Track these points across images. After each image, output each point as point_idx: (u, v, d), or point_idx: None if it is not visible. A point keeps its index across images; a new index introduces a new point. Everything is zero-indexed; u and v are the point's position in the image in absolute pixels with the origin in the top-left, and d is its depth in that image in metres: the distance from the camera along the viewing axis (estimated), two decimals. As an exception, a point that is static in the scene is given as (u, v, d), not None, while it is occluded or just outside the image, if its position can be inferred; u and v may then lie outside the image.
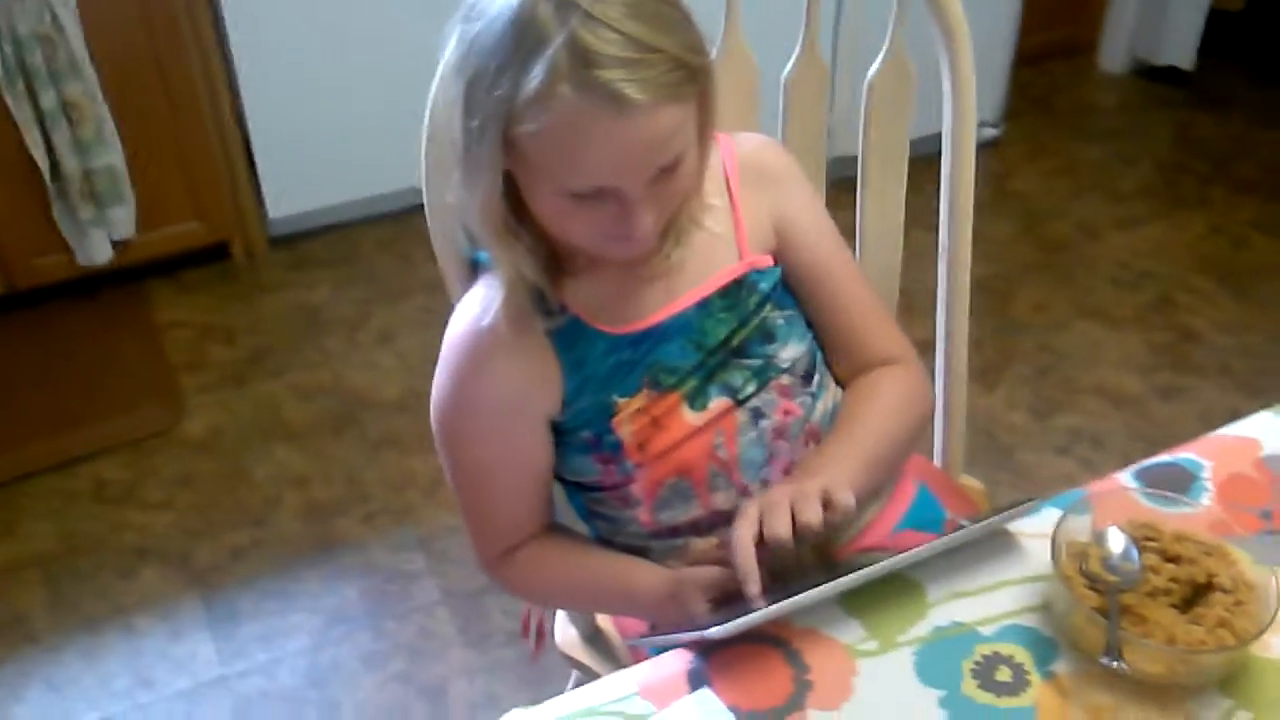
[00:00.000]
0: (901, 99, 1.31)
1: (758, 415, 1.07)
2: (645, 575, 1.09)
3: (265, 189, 2.59)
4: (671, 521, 1.09)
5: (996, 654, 0.86)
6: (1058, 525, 0.89)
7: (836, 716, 0.82)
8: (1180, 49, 3.25)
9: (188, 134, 2.42)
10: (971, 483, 1.48)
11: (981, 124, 3.01)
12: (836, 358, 1.15)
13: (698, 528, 1.09)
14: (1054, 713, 0.82)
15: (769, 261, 1.10)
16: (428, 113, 1.09)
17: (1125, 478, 1.01)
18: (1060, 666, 0.85)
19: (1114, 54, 3.37)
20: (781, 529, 0.93)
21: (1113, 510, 0.93)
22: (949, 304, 1.34)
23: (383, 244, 2.73)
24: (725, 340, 1.07)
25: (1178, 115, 3.28)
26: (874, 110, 1.31)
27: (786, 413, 1.08)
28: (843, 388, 1.15)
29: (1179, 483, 1.00)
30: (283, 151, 2.56)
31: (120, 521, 2.10)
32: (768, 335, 1.08)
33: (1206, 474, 1.01)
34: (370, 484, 2.17)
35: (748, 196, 1.10)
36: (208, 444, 2.25)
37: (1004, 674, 0.85)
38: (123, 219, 2.38)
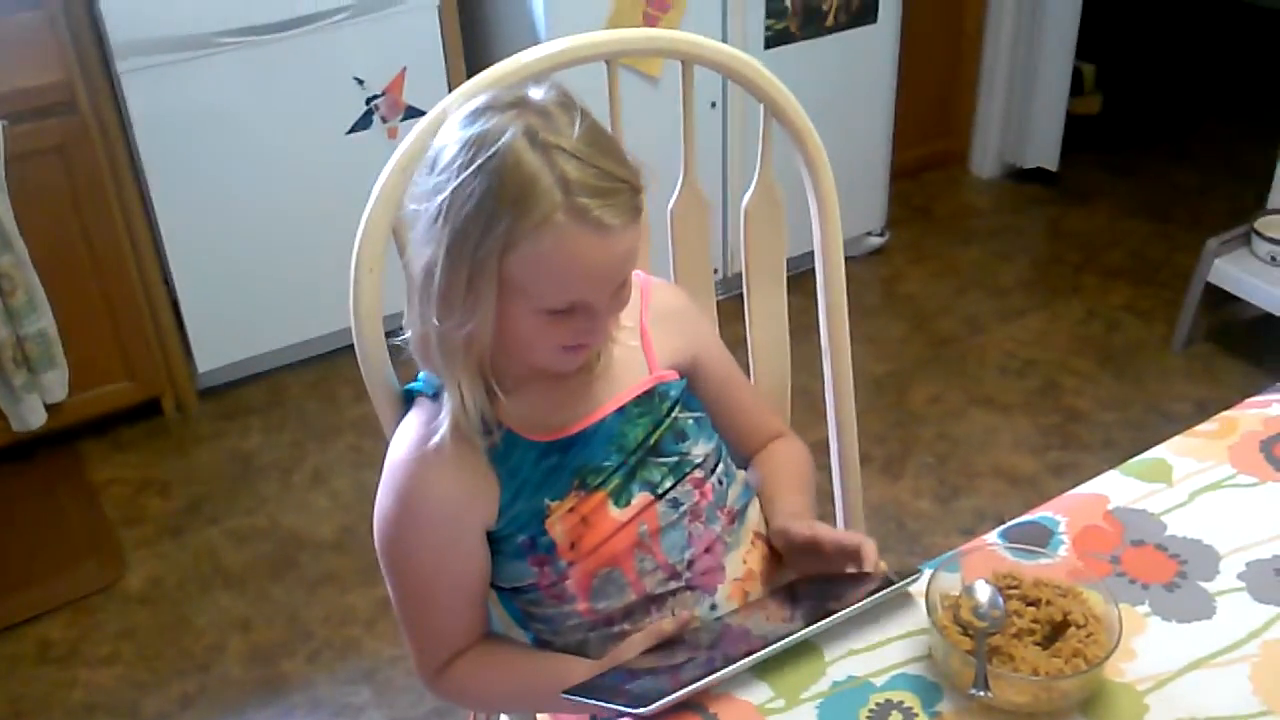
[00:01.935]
0: (774, 222, 1.47)
1: (676, 504, 1.20)
2: (581, 666, 1.20)
3: (194, 344, 2.69)
4: (608, 610, 1.19)
5: (889, 701, 0.98)
6: (930, 582, 1.02)
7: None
8: (1044, 151, 3.52)
9: (117, 297, 2.52)
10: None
11: (868, 234, 3.23)
12: (739, 443, 1.32)
13: (632, 613, 1.20)
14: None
15: (674, 375, 1.25)
16: (354, 262, 1.22)
17: (991, 537, 1.14)
18: (944, 706, 0.97)
19: (984, 161, 3.63)
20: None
21: (980, 566, 1.06)
22: (836, 401, 1.49)
23: (310, 387, 2.84)
24: (643, 441, 1.20)
25: (1047, 212, 3.53)
26: (751, 233, 1.47)
27: (701, 497, 1.21)
28: (743, 465, 1.32)
29: (1039, 538, 1.13)
30: (209, 308, 2.68)
31: (67, 680, 2.14)
32: (680, 435, 1.22)
33: (1062, 528, 1.15)
34: (312, 622, 2.24)
35: (658, 331, 1.25)
36: (149, 596, 2.31)
37: (895, 717, 0.96)
38: (56, 383, 2.46)
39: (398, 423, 1.21)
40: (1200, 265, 2.82)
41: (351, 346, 1.24)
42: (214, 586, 2.32)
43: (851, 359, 1.46)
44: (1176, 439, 1.26)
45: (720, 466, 1.25)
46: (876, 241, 3.24)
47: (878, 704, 0.98)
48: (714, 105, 2.74)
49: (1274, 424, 1.26)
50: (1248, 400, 1.31)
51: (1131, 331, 3.01)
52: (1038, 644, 0.99)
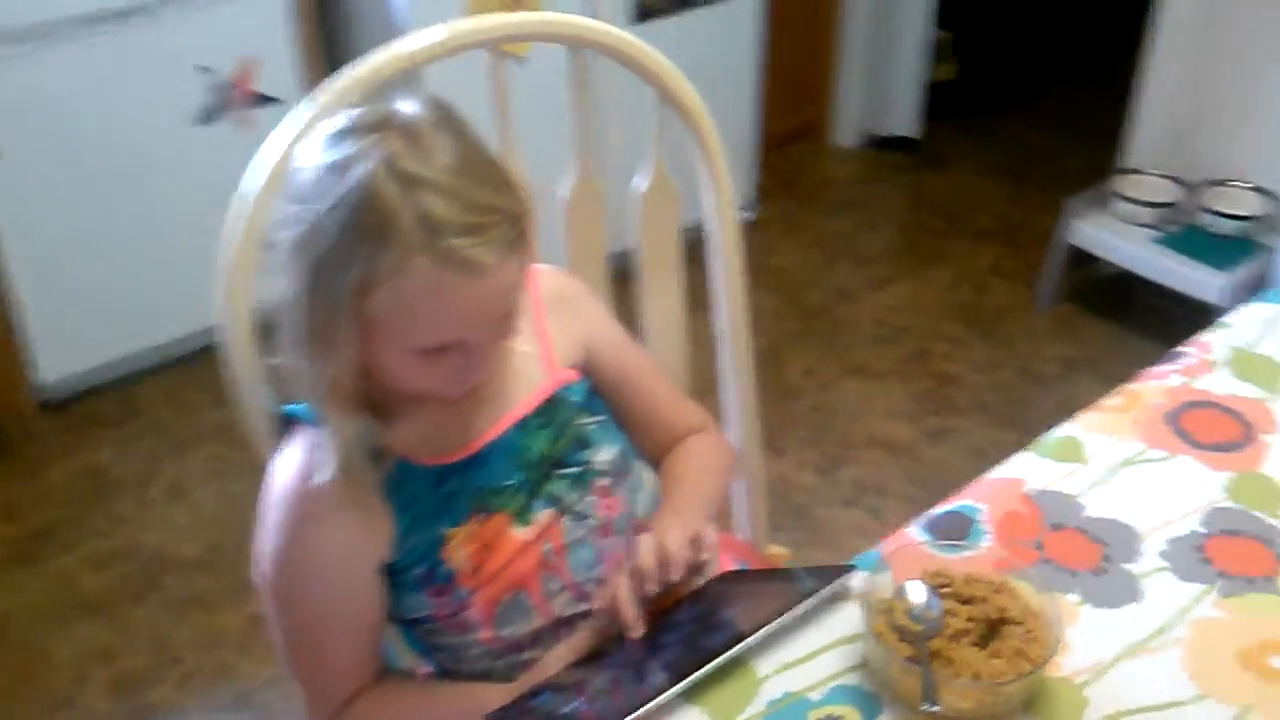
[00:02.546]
0: (667, 204, 1.41)
1: (581, 518, 1.13)
2: (492, 692, 1.12)
3: (36, 353, 2.50)
4: (514, 636, 1.12)
5: (829, 717, 0.93)
6: (865, 588, 0.98)
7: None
8: (905, 118, 3.54)
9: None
10: (779, 551, 1.57)
11: (739, 208, 3.19)
12: (648, 444, 1.24)
13: (540, 638, 1.13)
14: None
15: (575, 376, 1.17)
16: (222, 264, 1.11)
17: (915, 531, 1.11)
18: (885, 718, 0.93)
19: (847, 130, 3.64)
20: (626, 611, 1.03)
21: (908, 563, 1.02)
22: (734, 380, 1.45)
23: (164, 395, 2.67)
24: (544, 454, 1.13)
25: (911, 179, 3.56)
26: (644, 216, 1.41)
27: (609, 508, 1.14)
28: (657, 467, 1.25)
29: (960, 528, 1.10)
30: (51, 313, 2.49)
31: (-88, 731, 1.97)
32: (583, 443, 1.15)
33: (982, 516, 1.12)
34: (180, 647, 2.10)
35: (553, 322, 1.18)
36: (1, 632, 2.14)
37: (834, 733, 0.92)
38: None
39: (278, 449, 1.11)
40: (1059, 226, 2.86)
41: (209, 349, 1.13)
42: (72, 616, 2.16)
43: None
44: (1084, 415, 1.24)
45: (630, 474, 1.19)
46: (746, 215, 3.21)
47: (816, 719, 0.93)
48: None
49: (1175, 395, 1.26)
50: (1146, 371, 1.31)
51: (998, 294, 3.05)
52: (975, 644, 0.96)
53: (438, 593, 1.10)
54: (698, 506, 1.21)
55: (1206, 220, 2.75)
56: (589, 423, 1.17)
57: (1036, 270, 3.02)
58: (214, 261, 1.12)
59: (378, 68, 1.12)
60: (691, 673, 0.94)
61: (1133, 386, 1.28)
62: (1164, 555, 1.07)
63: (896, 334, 2.89)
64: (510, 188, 0.97)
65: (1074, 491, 1.14)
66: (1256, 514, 1.11)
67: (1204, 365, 1.30)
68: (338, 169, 0.92)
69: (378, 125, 0.93)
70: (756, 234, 3.27)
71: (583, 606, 1.14)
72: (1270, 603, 1.03)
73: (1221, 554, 1.07)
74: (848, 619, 1.02)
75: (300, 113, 1.11)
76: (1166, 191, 2.79)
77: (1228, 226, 2.72)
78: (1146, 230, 2.78)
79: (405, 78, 1.15)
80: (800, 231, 3.31)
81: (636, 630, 1.03)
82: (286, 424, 1.14)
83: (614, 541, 1.15)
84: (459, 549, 1.09)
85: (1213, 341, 1.34)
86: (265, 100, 2.52)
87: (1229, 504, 1.12)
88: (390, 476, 1.06)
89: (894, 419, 2.64)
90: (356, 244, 0.91)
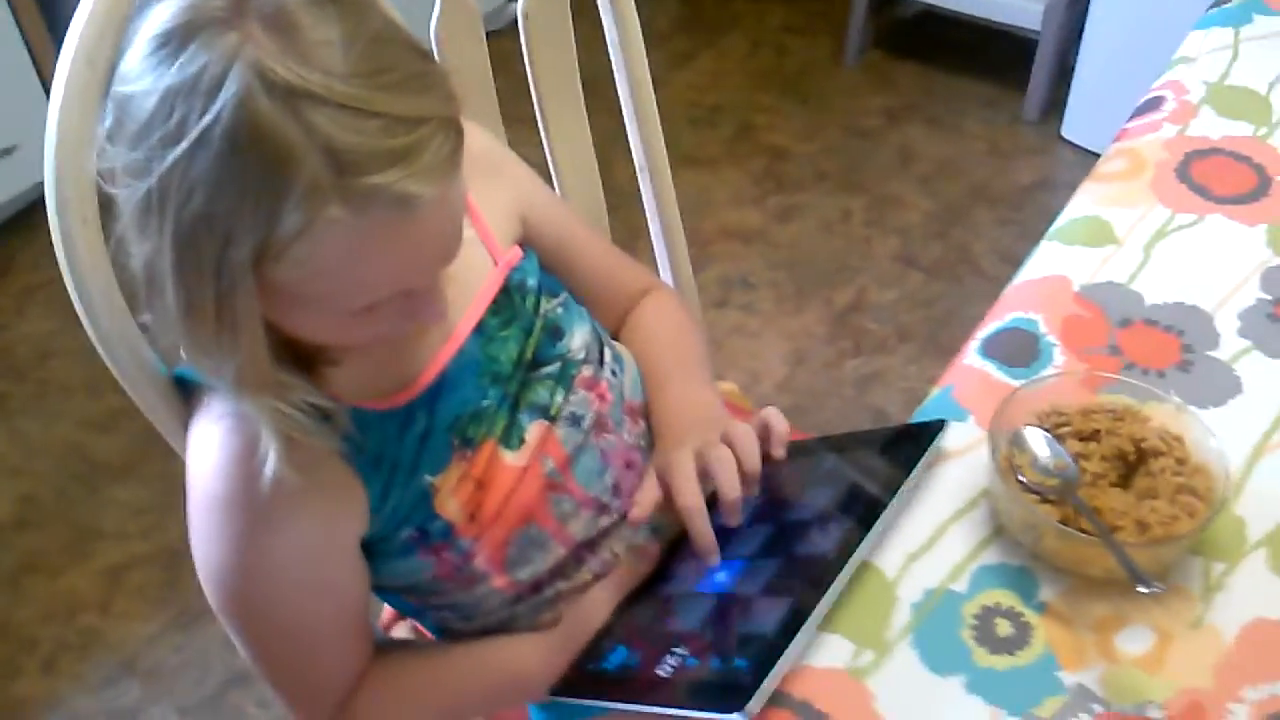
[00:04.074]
0: (559, 19, 1.17)
1: (575, 421, 0.94)
2: (527, 647, 0.94)
3: None
4: (533, 575, 0.94)
5: (984, 609, 0.79)
6: (991, 452, 0.82)
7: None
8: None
9: None
10: (727, 386, 1.42)
11: (507, 1, 2.88)
12: (601, 313, 1.04)
13: (562, 569, 0.95)
14: (1067, 645, 0.77)
15: (519, 253, 0.95)
16: (53, 209, 0.82)
17: (975, 359, 0.96)
18: (1046, 594, 0.80)
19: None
20: (735, 490, 0.85)
21: (983, 399, 0.88)
22: (659, 219, 1.26)
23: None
24: (519, 359, 0.92)
25: (678, -58, 3.30)
26: (534, 40, 1.16)
27: (600, 399, 0.95)
28: (615, 336, 1.06)
29: (1026, 347, 0.96)
30: None
31: None
32: (555, 332, 0.95)
33: (1042, 328, 0.98)
34: (31, 624, 1.79)
35: (482, 194, 0.94)
36: None
37: (1003, 627, 0.78)
38: None
39: (184, 424, 0.86)
40: (859, -30, 2.71)
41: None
42: (-127, 625, 1.81)
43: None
44: (1092, 187, 1.11)
45: (608, 352, 0.99)
46: (514, 9, 2.89)
47: (974, 616, 0.79)
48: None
49: (1175, 147, 1.14)
50: (1129, 126, 1.18)
51: (799, 53, 2.90)
52: (1115, 485, 0.83)
53: (435, 551, 0.90)
54: (706, 382, 1.03)
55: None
56: (554, 306, 0.97)
57: (830, 21, 2.87)
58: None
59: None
60: (813, 602, 0.77)
61: (1127, 144, 1.16)
62: (1242, 333, 0.96)
63: (712, 114, 2.71)
64: (433, 75, 0.71)
65: (1123, 279, 1.01)
66: (1311, 268, 1.02)
67: (1187, 108, 1.18)
68: (186, 90, 0.64)
69: (227, 10, 0.66)
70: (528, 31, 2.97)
71: (604, 521, 0.96)
72: (1368, 363, 0.94)
73: (1298, 318, 0.98)
74: (951, 481, 0.87)
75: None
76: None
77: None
78: (951, -39, 2.66)
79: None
80: (577, 20, 3.03)
81: (714, 558, 0.86)
82: (182, 388, 0.88)
83: (614, 438, 0.96)
84: (450, 497, 0.88)
85: (1182, 80, 1.22)
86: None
87: (1278, 260, 1.02)
88: (348, 435, 0.83)
89: (739, 206, 2.48)
90: (240, 199, 0.65)
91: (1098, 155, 2.64)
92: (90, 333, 0.86)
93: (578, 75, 1.21)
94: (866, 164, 2.56)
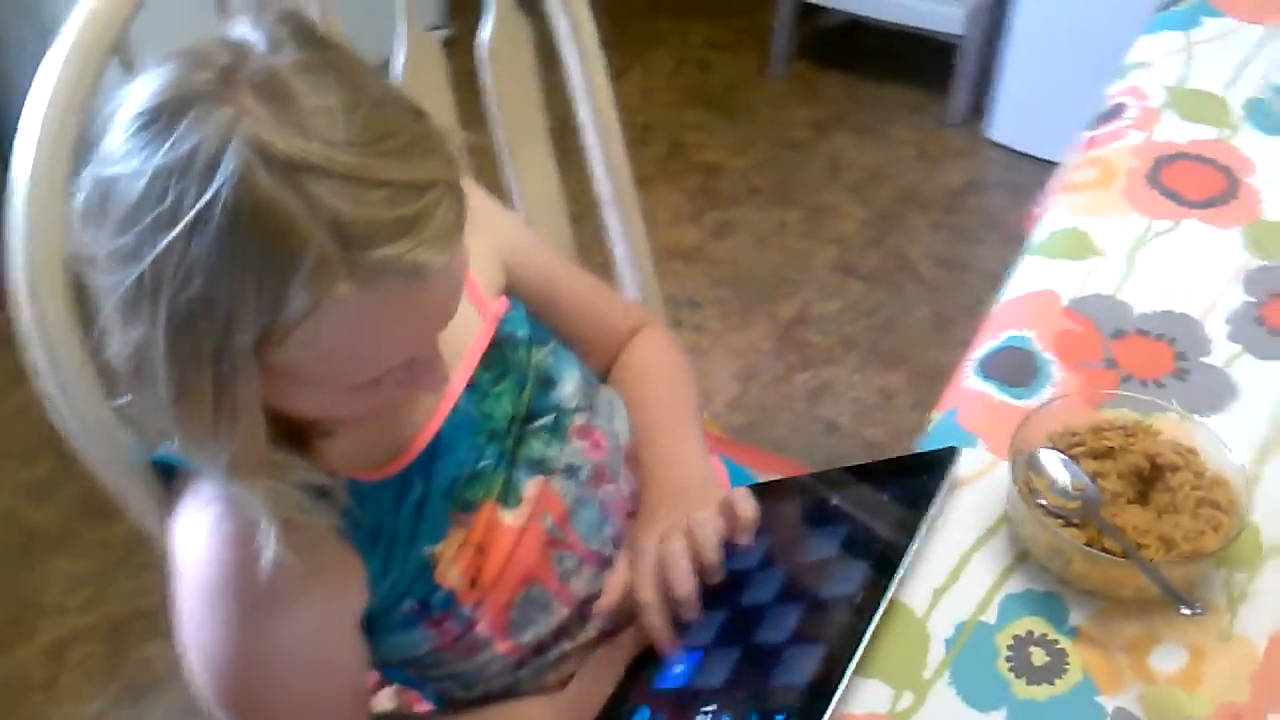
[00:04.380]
0: (518, 48, 1.15)
1: (572, 473, 0.91)
2: (530, 708, 0.91)
3: None
4: (537, 638, 0.91)
5: (1017, 638, 0.78)
6: (1013, 478, 0.81)
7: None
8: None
9: None
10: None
11: (434, 28, 2.84)
12: (590, 355, 1.02)
13: (567, 630, 0.92)
14: (1104, 668, 0.76)
15: (505, 303, 0.92)
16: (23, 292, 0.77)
17: (977, 383, 0.95)
18: (1076, 618, 0.79)
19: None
20: (686, 586, 0.82)
21: (988, 422, 0.87)
22: (628, 248, 1.24)
23: None
24: (514, 414, 0.89)
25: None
26: (498, 79, 1.13)
27: (596, 448, 0.92)
28: (604, 379, 1.03)
29: (1024, 365, 0.95)
30: None
31: None
32: (547, 382, 0.92)
33: (1036, 344, 0.97)
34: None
35: (468, 244, 0.90)
36: None
37: (1038, 656, 0.77)
38: None
39: (170, 505, 0.82)
40: (780, -17, 2.72)
41: None
42: None
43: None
44: (1068, 199, 1.11)
45: (598, 398, 0.97)
46: (444, 34, 2.85)
47: (1010, 647, 0.77)
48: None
49: (1144, 153, 1.15)
50: (1096, 134, 1.19)
51: (725, 68, 2.90)
52: (1133, 503, 0.82)
53: (437, 622, 0.86)
54: (695, 439, 0.99)
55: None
56: (544, 355, 0.94)
57: (753, 36, 2.88)
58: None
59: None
60: (848, 646, 0.75)
61: (1096, 153, 1.16)
62: (1232, 337, 0.97)
63: (644, 133, 2.70)
64: (434, 138, 0.68)
65: (1109, 290, 1.01)
66: (1287, 265, 1.03)
67: (1150, 114, 1.19)
68: (180, 170, 0.61)
69: (218, 80, 0.63)
70: (458, 53, 2.93)
71: (607, 575, 0.93)
72: (1357, 361, 0.95)
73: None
74: (967, 509, 0.85)
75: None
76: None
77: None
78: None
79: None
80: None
81: (671, 647, 0.83)
82: (164, 473, 0.84)
83: (613, 487, 0.94)
84: (451, 566, 0.85)
85: (1141, 85, 1.23)
86: None
87: (1259, 262, 1.03)
88: (345, 511, 0.79)
89: (677, 224, 2.47)
90: (242, 282, 0.62)
91: (1024, 155, 2.67)
92: (66, 419, 0.81)
93: (540, 105, 1.18)
94: (798, 176, 2.57)
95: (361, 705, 0.89)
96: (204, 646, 0.80)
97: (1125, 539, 0.78)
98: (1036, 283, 1.03)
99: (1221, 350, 0.96)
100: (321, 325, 0.65)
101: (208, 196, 0.61)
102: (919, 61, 2.78)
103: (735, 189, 2.55)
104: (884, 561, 0.80)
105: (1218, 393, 0.92)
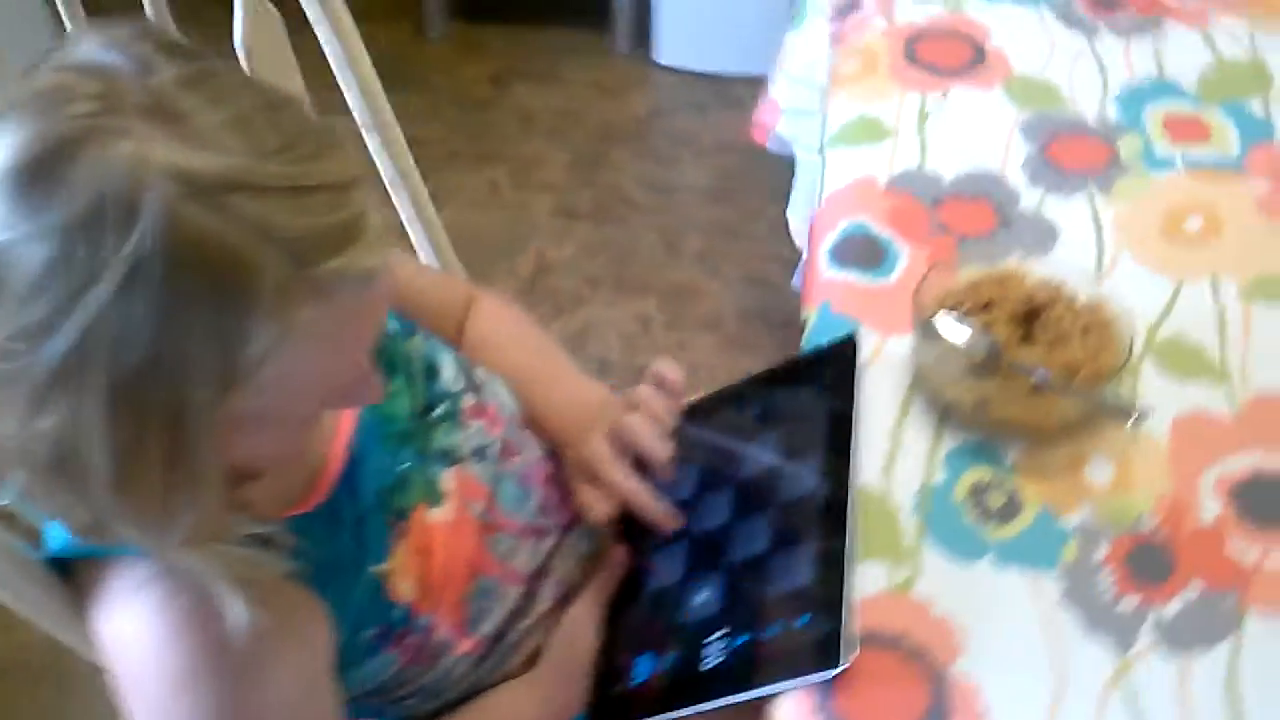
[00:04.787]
0: (278, 43, 1.09)
1: (481, 454, 0.90)
2: (510, 693, 0.90)
3: None
4: (495, 627, 0.89)
5: (970, 489, 0.84)
6: (920, 349, 0.86)
7: (969, 660, 0.75)
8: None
9: None
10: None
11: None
12: (442, 332, 0.99)
13: (520, 611, 0.91)
14: (1052, 494, 0.83)
15: None
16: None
17: (836, 273, 0.99)
18: (1011, 457, 0.85)
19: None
20: (660, 447, 0.88)
21: (869, 310, 0.93)
22: (423, 232, 1.21)
23: None
24: (412, 410, 0.86)
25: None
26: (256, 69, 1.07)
27: (493, 424, 0.91)
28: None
29: (871, 247, 1.01)
30: None
31: None
32: (430, 371, 0.90)
33: (874, 226, 1.03)
34: None
35: None
36: None
37: (995, 499, 0.83)
38: None
39: (83, 604, 0.74)
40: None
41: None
42: None
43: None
44: (842, 92, 1.17)
45: (474, 374, 0.95)
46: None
47: (968, 500, 0.83)
48: None
49: (893, 36, 1.23)
50: (844, 30, 1.26)
51: (383, 39, 2.81)
52: (1023, 344, 0.89)
53: (398, 640, 0.83)
54: (575, 370, 1.01)
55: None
56: (418, 343, 0.91)
57: (401, 2, 2.82)
58: None
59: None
60: (840, 539, 0.78)
61: (852, 45, 1.23)
62: (1033, 183, 1.07)
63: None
64: (334, 131, 0.63)
65: (915, 165, 1.09)
66: (1052, 113, 1.14)
67: (883, 1, 1.27)
68: (88, 223, 0.54)
69: (98, 115, 0.56)
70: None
71: (547, 544, 0.93)
72: (1139, 184, 1.07)
73: (1067, 154, 1.09)
74: (876, 387, 0.90)
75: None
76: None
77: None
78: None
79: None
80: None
81: (676, 520, 0.86)
82: (57, 567, 0.76)
83: (521, 459, 0.93)
84: (401, 580, 0.82)
85: (864, -26, 1.31)
86: None
87: (1027, 113, 1.13)
88: (296, 551, 0.75)
89: (387, 202, 2.40)
90: (190, 331, 0.57)
91: (696, 73, 2.76)
92: None
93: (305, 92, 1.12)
94: (491, 133, 2.55)
95: None
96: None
97: (1048, 370, 0.85)
98: (850, 172, 1.09)
99: (1030, 196, 1.05)
100: (288, 358, 0.60)
101: (131, 244, 0.54)
102: (574, 1, 2.82)
103: (434, 157, 2.50)
104: (832, 452, 0.83)
105: (1042, 235, 1.02)
